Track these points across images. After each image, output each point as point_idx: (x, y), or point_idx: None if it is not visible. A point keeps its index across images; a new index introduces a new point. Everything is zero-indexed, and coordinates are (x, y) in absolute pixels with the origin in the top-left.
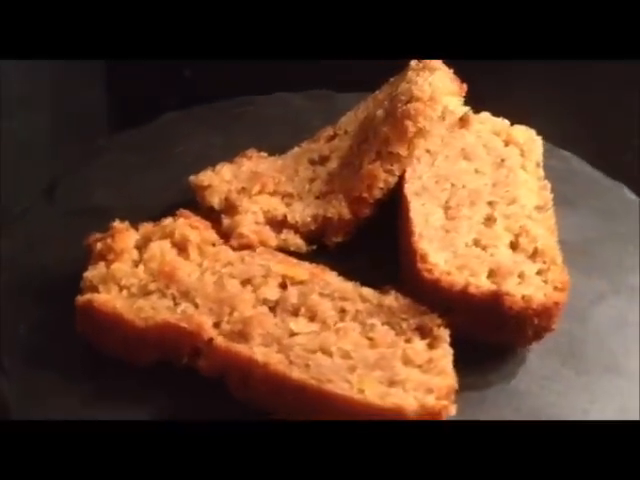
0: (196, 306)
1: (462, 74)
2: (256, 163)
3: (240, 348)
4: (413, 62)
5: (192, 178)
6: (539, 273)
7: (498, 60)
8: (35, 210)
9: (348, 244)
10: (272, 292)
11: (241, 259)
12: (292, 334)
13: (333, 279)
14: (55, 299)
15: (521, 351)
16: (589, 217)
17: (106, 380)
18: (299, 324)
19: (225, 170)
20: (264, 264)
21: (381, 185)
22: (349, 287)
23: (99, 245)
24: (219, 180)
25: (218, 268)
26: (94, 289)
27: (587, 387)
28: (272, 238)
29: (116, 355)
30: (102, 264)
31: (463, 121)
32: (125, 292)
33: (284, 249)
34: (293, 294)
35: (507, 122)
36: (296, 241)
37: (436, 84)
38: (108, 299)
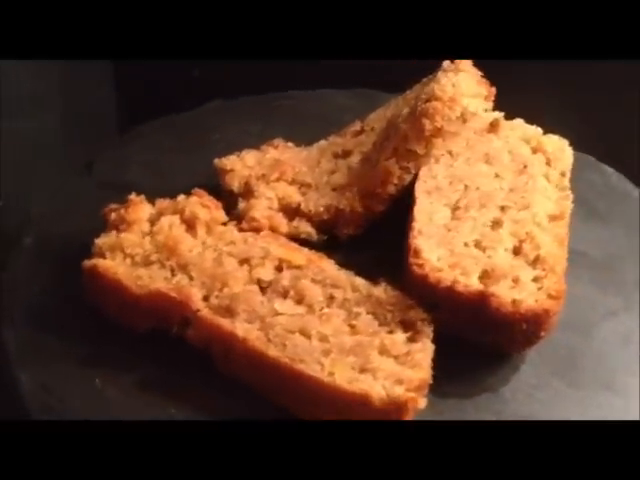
0: (191, 278)
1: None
2: (281, 152)
3: (223, 322)
4: (445, 63)
5: (217, 161)
6: (535, 280)
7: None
8: (70, 181)
9: (359, 238)
10: (266, 273)
11: (244, 240)
12: (276, 314)
13: (328, 267)
14: (70, 266)
15: (515, 358)
16: (618, 233)
17: (104, 345)
18: (284, 305)
19: (249, 156)
20: (264, 246)
21: (395, 181)
22: (342, 275)
23: (113, 215)
24: (242, 165)
25: (220, 246)
26: (102, 255)
27: (579, 401)
28: (283, 224)
29: (116, 320)
30: (114, 233)
31: (493, 126)
32: (129, 260)
33: (295, 236)
34: (286, 277)
35: (539, 130)
36: (307, 229)
37: (459, 85)
38: (111, 265)
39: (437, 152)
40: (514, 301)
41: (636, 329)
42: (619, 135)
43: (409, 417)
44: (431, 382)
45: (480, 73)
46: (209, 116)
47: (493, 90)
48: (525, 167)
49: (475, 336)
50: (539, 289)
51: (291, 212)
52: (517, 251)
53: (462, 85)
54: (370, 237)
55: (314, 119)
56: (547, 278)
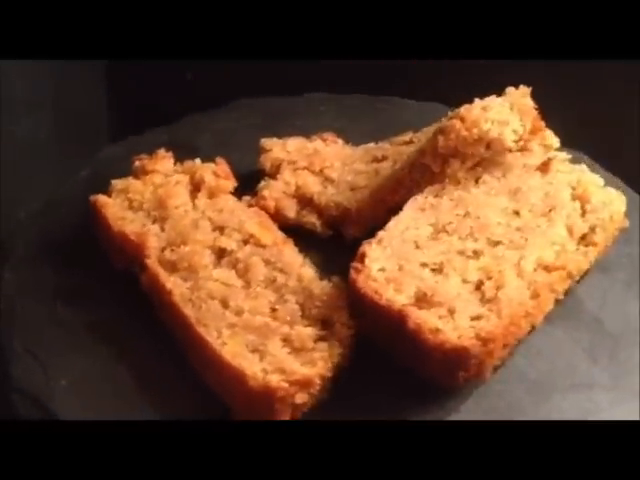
0: (162, 230)
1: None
2: (326, 145)
3: (162, 273)
4: (510, 88)
5: (262, 140)
6: (475, 318)
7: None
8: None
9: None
10: (229, 243)
11: (231, 211)
12: (211, 279)
13: (288, 253)
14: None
15: None
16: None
17: (82, 282)
18: (223, 274)
19: (292, 142)
20: (243, 220)
21: (403, 192)
22: (295, 264)
23: (137, 163)
24: (281, 148)
25: (207, 211)
26: (110, 194)
27: None
28: (292, 210)
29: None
30: (130, 178)
31: (544, 165)
32: (126, 203)
33: (300, 224)
34: (244, 251)
35: (599, 181)
36: (313, 220)
37: (489, 109)
38: (108, 203)
39: (462, 175)
40: (434, 329)
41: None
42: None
43: (286, 411)
44: None
45: (534, 106)
46: (304, 105)
47: (540, 125)
48: (550, 211)
49: (396, 357)
50: (470, 327)
51: (304, 201)
52: (478, 286)
53: (494, 110)
54: None
55: (404, 128)
56: (487, 320)
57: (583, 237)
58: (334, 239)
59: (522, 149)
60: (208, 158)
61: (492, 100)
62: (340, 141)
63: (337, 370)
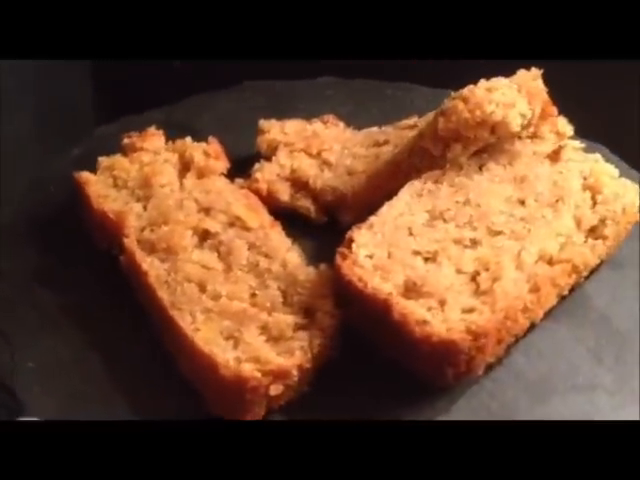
0: (144, 209)
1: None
2: (326, 128)
3: (139, 253)
4: (521, 70)
5: (261, 121)
6: (467, 311)
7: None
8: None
9: None
10: (213, 225)
11: (219, 192)
12: (190, 261)
13: (275, 236)
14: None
15: None
16: None
17: (63, 262)
18: (203, 256)
19: (291, 124)
20: (231, 202)
21: (401, 177)
22: (281, 248)
23: (126, 140)
24: (279, 130)
25: (194, 192)
26: (96, 171)
27: None
28: (285, 193)
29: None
30: (119, 155)
31: (554, 154)
32: (111, 180)
33: (293, 208)
34: (229, 233)
35: (613, 171)
36: (306, 205)
37: (494, 90)
38: (91, 180)
39: (464, 161)
40: (421, 321)
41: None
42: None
43: (260, 402)
44: None
45: (545, 89)
46: (309, 87)
47: (551, 110)
48: (558, 201)
49: (384, 349)
50: (461, 320)
51: (299, 185)
52: (473, 277)
53: (499, 92)
54: None
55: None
56: (480, 313)
57: (592, 230)
58: (329, 226)
59: (532, 136)
60: (205, 139)
61: (498, 81)
62: (341, 124)
63: (318, 361)
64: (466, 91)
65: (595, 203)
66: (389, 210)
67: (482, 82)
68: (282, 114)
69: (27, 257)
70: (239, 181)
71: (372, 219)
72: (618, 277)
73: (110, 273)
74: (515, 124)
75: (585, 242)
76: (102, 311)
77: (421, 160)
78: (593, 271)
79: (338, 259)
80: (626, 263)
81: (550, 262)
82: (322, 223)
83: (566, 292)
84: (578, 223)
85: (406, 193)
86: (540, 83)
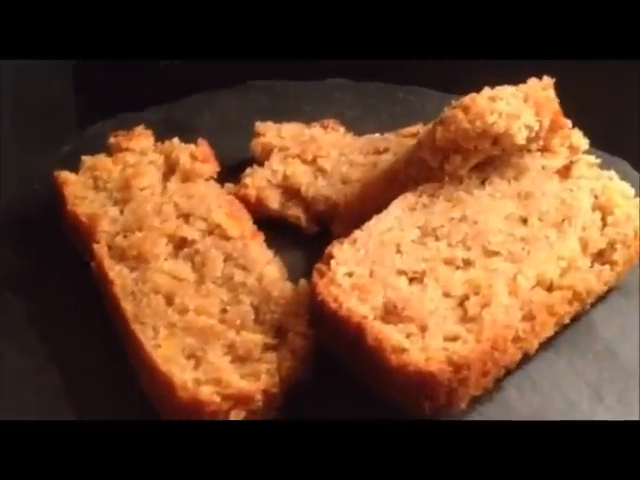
0: (120, 212)
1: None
2: (325, 133)
3: (107, 261)
4: (532, 79)
5: (257, 124)
6: (450, 339)
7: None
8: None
9: None
10: (190, 232)
11: (201, 197)
12: (160, 271)
13: (254, 248)
14: None
15: None
16: None
17: (38, 267)
18: (175, 266)
19: (288, 127)
20: (212, 208)
21: (397, 188)
22: (261, 261)
23: (113, 139)
24: (275, 134)
25: (175, 196)
26: (77, 171)
27: None
28: (275, 201)
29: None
30: (102, 155)
31: (565, 169)
32: (91, 182)
33: (283, 217)
34: (206, 242)
35: (628, 190)
36: (297, 213)
37: (498, 99)
38: (69, 180)
39: (465, 174)
40: (397, 348)
41: None
42: None
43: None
44: None
45: (556, 100)
46: (316, 89)
47: (562, 122)
48: (564, 221)
49: (358, 375)
50: (442, 349)
51: (291, 192)
52: (461, 302)
53: (503, 101)
54: None
55: (424, 121)
56: (464, 342)
57: (600, 254)
58: (321, 237)
59: (542, 149)
60: (204, 139)
61: (503, 90)
62: (342, 129)
63: (286, 385)
64: (467, 99)
65: (605, 224)
66: (376, 224)
67: (485, 90)
68: (285, 116)
69: (2, 259)
70: (229, 186)
71: (356, 233)
72: (629, 306)
73: (83, 280)
74: (520, 136)
75: (591, 267)
76: (70, 320)
77: (418, 171)
78: (602, 298)
79: (315, 276)
80: (638, 291)
81: (549, 288)
82: (313, 233)
83: (567, 321)
84: (584, 246)
85: (397, 206)
86: (550, 93)
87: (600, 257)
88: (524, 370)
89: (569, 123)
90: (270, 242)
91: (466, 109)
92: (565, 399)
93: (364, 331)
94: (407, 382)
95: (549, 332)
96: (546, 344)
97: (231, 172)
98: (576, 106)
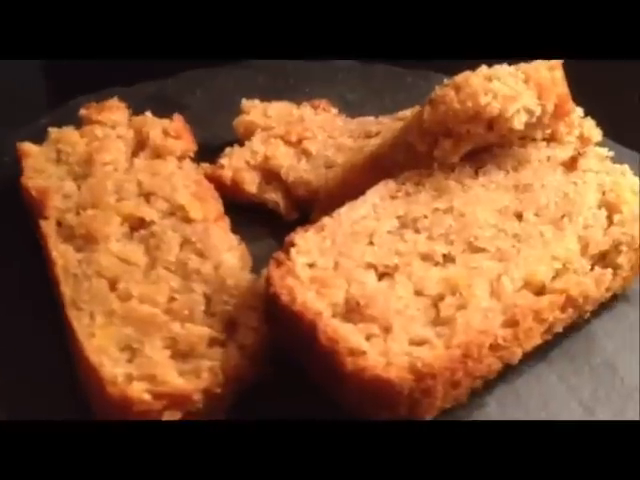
0: (78, 188)
1: None
2: (315, 113)
3: (52, 239)
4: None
5: (243, 101)
6: (415, 343)
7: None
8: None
9: None
10: (149, 213)
11: (167, 176)
12: (109, 252)
13: (216, 233)
14: None
15: None
16: None
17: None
18: (124, 248)
19: (274, 106)
20: (177, 188)
21: (381, 174)
22: (222, 248)
23: (83, 111)
24: (261, 112)
25: (139, 174)
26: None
27: None
28: (252, 184)
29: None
30: (71, 127)
31: (571, 161)
32: (54, 154)
33: (261, 201)
34: (163, 224)
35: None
36: (275, 198)
37: (494, 79)
38: (31, 151)
39: (456, 161)
40: (355, 351)
41: None
42: None
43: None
44: None
45: (563, 82)
46: (318, 70)
47: (568, 107)
48: (563, 217)
49: (312, 375)
50: (406, 354)
51: (270, 175)
52: (435, 302)
53: (500, 81)
54: None
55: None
56: (432, 347)
57: (602, 256)
58: (301, 223)
59: (549, 139)
60: (193, 117)
61: (500, 69)
62: (334, 110)
63: (232, 385)
64: (460, 78)
65: (611, 224)
66: (349, 212)
67: (482, 68)
68: (282, 96)
69: None
70: (205, 166)
71: (325, 220)
72: (634, 316)
73: (38, 262)
74: (517, 121)
75: (591, 270)
76: (18, 304)
77: (405, 157)
78: (605, 306)
79: (271, 266)
80: None
81: (539, 291)
82: (293, 220)
83: (560, 329)
84: (584, 246)
85: (376, 193)
86: (557, 75)
87: (602, 260)
88: (509, 383)
89: (578, 109)
90: (244, 229)
91: (458, 88)
92: (552, 417)
93: (316, 329)
94: (363, 389)
95: (535, 341)
96: (536, 354)
97: (217, 152)
98: (591, 93)
